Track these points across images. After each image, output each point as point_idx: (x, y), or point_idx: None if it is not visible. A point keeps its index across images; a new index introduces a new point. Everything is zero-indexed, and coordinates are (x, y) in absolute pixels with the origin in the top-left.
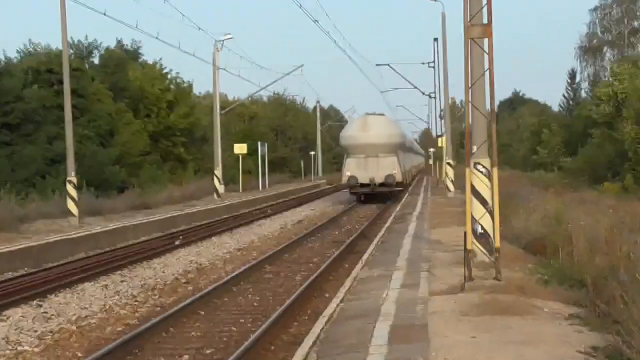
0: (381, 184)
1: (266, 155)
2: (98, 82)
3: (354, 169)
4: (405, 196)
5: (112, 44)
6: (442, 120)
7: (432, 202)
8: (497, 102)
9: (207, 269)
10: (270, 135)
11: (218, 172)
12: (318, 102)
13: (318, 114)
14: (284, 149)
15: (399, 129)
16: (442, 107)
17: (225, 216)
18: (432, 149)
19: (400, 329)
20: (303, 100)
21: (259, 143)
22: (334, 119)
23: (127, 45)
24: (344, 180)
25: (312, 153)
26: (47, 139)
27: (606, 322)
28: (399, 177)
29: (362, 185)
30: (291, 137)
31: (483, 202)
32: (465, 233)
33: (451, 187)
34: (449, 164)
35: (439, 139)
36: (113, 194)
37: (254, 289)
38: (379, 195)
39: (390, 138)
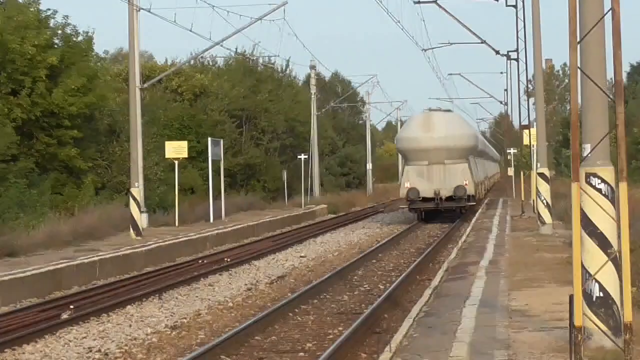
0: (448, 198)
1: (222, 160)
2: None
3: (414, 179)
4: (468, 230)
5: None
6: (531, 102)
7: (513, 242)
8: (625, 69)
9: None
10: (229, 126)
11: (137, 191)
12: (313, 68)
13: (313, 88)
14: (254, 150)
15: (470, 128)
16: (531, 76)
17: (149, 269)
18: (511, 150)
19: None
20: (287, 65)
21: (209, 140)
22: (340, 96)
23: None
24: (402, 193)
25: (303, 157)
26: None
27: None
28: (470, 189)
29: (425, 199)
30: (266, 130)
31: (603, 243)
32: (571, 298)
33: (546, 215)
34: (541, 175)
35: (524, 132)
36: None
37: None
38: (446, 213)
39: (460, 140)
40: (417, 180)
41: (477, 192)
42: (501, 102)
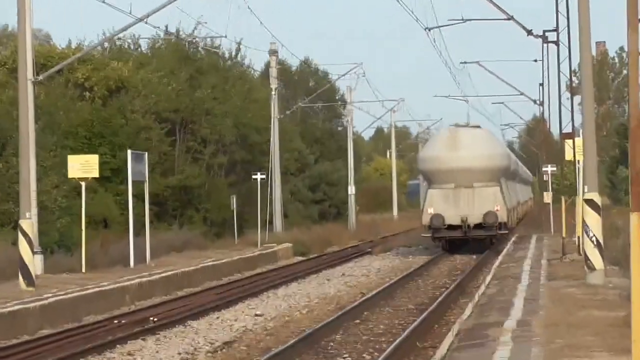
0: (477, 226)
1: (147, 181)
2: None
3: (438, 204)
4: (488, 279)
5: None
6: (576, 102)
7: (550, 295)
8: None
9: None
10: (158, 133)
11: (29, 224)
12: (274, 54)
13: (274, 81)
14: (192, 168)
15: (502, 146)
16: (576, 65)
17: (45, 331)
18: (549, 168)
19: None
20: (238, 50)
21: (129, 154)
22: (313, 93)
23: None
24: (424, 220)
25: (260, 177)
26: None
27: None
28: (502, 216)
29: (450, 227)
30: (208, 140)
31: None
32: None
33: (596, 259)
34: (589, 202)
35: (567, 143)
36: None
37: None
38: (474, 242)
39: (491, 160)
40: (441, 205)
41: (509, 220)
42: (535, 102)
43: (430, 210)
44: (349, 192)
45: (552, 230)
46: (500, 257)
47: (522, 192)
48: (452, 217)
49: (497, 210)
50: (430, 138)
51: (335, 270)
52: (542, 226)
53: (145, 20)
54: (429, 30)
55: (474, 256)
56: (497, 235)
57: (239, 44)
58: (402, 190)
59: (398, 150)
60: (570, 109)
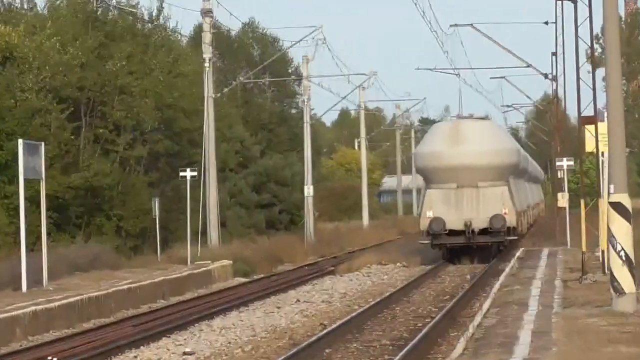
0: (483, 231)
1: (43, 180)
2: None
3: (438, 206)
4: (486, 306)
5: None
6: (599, 76)
7: (565, 327)
8: None
9: None
10: (57, 118)
11: None
12: (208, 14)
13: (207, 49)
14: (102, 163)
15: (511, 141)
16: (599, 29)
17: None
18: (564, 162)
19: None
20: (160, 11)
21: (20, 144)
22: (259, 64)
23: None
24: (423, 225)
25: (190, 174)
26: None
27: None
28: (511, 220)
29: (452, 232)
30: (123, 125)
31: None
32: None
33: (625, 279)
34: (617, 206)
35: (587, 130)
36: None
37: None
38: (479, 250)
39: (498, 156)
40: (442, 208)
41: (519, 224)
42: (546, 76)
43: (429, 214)
44: (306, 194)
45: (568, 243)
46: (501, 278)
47: (532, 192)
48: (453, 221)
49: (505, 213)
50: (429, 131)
51: (287, 296)
52: (556, 237)
53: None
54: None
55: (469, 273)
56: (505, 241)
57: (161, 2)
58: (375, 191)
59: (369, 139)
60: (591, 85)
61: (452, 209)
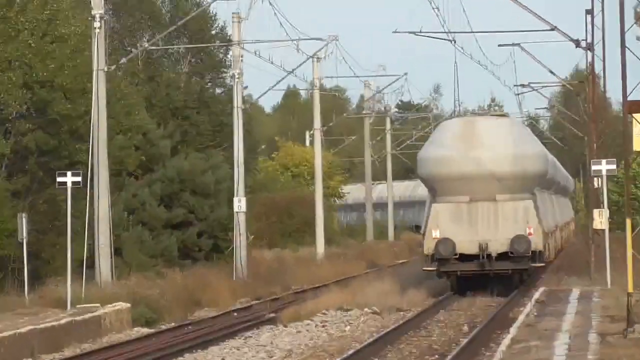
0: (502, 256)
1: None
2: None
3: (446, 225)
4: None
5: None
6: None
7: None
8: None
9: None
10: None
11: None
12: None
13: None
14: None
15: (537, 144)
16: None
17: None
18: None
19: None
20: None
21: None
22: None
23: None
24: (427, 248)
25: (72, 179)
26: None
27: None
28: (537, 242)
29: (464, 257)
30: None
31: None
32: None
33: None
34: None
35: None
36: None
37: None
38: (496, 280)
39: (522, 162)
40: (451, 226)
41: (546, 248)
42: (577, 44)
43: (435, 234)
44: (236, 209)
45: (608, 279)
46: (513, 330)
47: (560, 208)
48: (465, 244)
49: (530, 234)
50: (436, 130)
51: (208, 354)
52: (590, 271)
53: None
54: None
55: (466, 322)
56: (529, 269)
57: None
58: (335, 206)
59: (327, 131)
60: None
61: (464, 228)
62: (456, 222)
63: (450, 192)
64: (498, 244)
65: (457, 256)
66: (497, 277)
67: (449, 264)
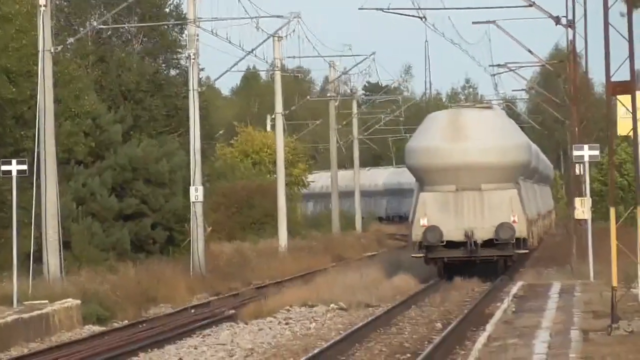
0: (487, 243)
1: None
2: None
3: (434, 213)
4: None
5: None
6: (636, 20)
7: None
8: None
9: None
10: None
11: None
12: None
13: None
14: None
15: (521, 135)
16: None
17: None
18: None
19: None
20: None
21: None
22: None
23: None
24: (415, 235)
25: (17, 168)
26: None
27: None
28: (521, 229)
29: (450, 244)
30: None
31: None
32: None
33: None
34: None
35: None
36: None
37: None
38: (482, 265)
39: (507, 153)
40: (438, 214)
41: (529, 235)
42: (557, 21)
43: (423, 222)
44: (192, 199)
45: (591, 272)
46: (489, 327)
47: (542, 197)
48: (452, 231)
49: (514, 221)
50: (424, 122)
51: (164, 354)
52: (571, 263)
53: None
54: None
55: (440, 319)
56: (513, 255)
57: None
58: (299, 196)
59: (289, 115)
60: (627, 35)
61: (451, 216)
62: (443, 210)
63: (438, 181)
64: (484, 232)
65: (444, 243)
66: (482, 263)
67: (436, 250)
